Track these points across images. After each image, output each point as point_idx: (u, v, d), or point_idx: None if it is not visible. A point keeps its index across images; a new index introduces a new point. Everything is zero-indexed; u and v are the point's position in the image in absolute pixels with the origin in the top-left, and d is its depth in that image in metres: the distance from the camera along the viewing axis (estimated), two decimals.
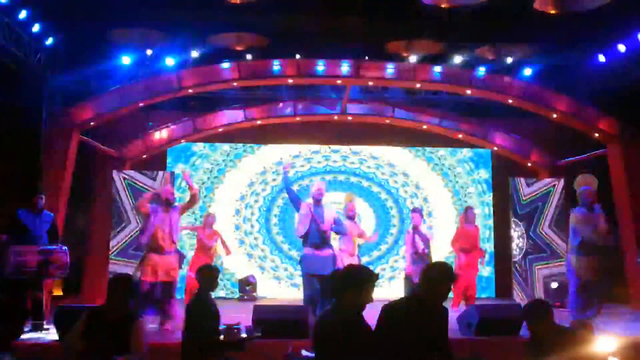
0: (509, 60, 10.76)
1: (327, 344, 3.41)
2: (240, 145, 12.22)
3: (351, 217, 8.52)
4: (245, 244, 12.10)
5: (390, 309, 3.68)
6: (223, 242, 9.63)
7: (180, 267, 7.74)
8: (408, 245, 8.76)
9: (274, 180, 12.22)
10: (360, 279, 3.48)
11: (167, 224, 7.32)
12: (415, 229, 8.63)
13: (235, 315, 6.56)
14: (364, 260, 10.02)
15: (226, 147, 12.20)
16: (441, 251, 11.11)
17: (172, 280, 7.35)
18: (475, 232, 9.57)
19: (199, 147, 12.15)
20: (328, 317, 3.54)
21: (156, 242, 7.26)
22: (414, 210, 9.02)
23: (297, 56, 9.85)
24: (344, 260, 8.52)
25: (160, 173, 10.25)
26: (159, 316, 7.33)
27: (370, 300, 3.46)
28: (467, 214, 9.62)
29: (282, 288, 11.92)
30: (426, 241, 8.60)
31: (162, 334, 6.96)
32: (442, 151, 12.57)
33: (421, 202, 12.34)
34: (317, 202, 7.66)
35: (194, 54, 10.20)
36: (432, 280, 3.69)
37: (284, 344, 5.36)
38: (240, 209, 12.15)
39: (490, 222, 12.38)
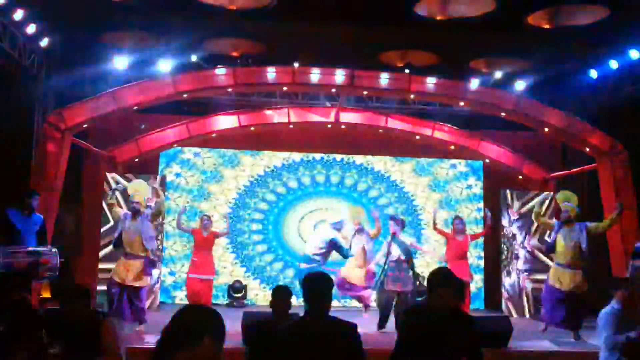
0: (502, 73, 10.84)
1: (302, 352, 3.43)
2: (233, 150, 12.23)
3: (360, 231, 8.85)
4: (238, 249, 12.09)
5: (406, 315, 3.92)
6: (216, 235, 9.78)
7: (149, 274, 8.06)
8: (382, 252, 8.76)
9: (268, 186, 12.24)
10: (324, 285, 3.56)
11: (135, 231, 7.89)
12: (393, 236, 8.62)
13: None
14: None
15: (219, 152, 12.21)
16: (431, 261, 11.15)
17: (139, 285, 7.84)
18: (463, 243, 9.55)
19: (192, 151, 12.16)
20: (296, 326, 3.57)
21: (125, 247, 7.91)
22: (392, 218, 9.02)
23: (296, 65, 9.86)
24: (353, 272, 8.78)
25: (135, 181, 9.30)
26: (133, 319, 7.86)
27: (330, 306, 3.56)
28: (454, 225, 9.63)
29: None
30: (405, 249, 8.58)
31: (135, 338, 7.23)
32: (434, 162, 12.62)
33: (410, 212, 12.38)
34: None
35: (190, 58, 10.21)
36: (432, 286, 3.72)
37: None
38: (233, 214, 12.14)
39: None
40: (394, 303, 8.33)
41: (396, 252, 8.45)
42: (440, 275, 3.77)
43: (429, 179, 12.59)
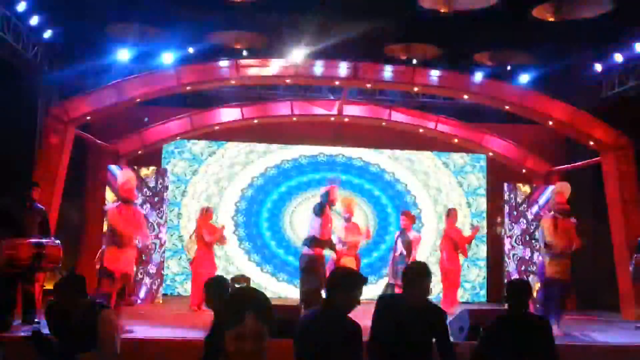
0: (507, 66, 10.80)
1: (312, 343, 3.43)
2: (236, 143, 12.22)
3: (348, 219, 8.78)
4: (243, 241, 12.11)
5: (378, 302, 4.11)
6: (222, 237, 9.79)
7: (135, 263, 8.05)
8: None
9: (273, 180, 12.24)
10: (351, 281, 3.56)
11: (128, 221, 7.43)
12: (403, 231, 8.71)
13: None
14: (364, 261, 10.06)
15: (222, 145, 12.20)
16: (427, 253, 11.17)
17: (129, 273, 7.61)
18: (457, 233, 9.92)
19: (194, 144, 12.14)
20: (313, 317, 3.58)
21: (116, 237, 7.35)
22: (403, 212, 9.14)
23: (300, 56, 9.81)
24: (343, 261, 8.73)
25: (123, 171, 9.08)
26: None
27: (358, 303, 3.54)
28: (450, 216, 9.95)
29: (278, 285, 11.93)
30: (407, 244, 8.67)
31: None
32: (437, 155, 12.59)
33: (410, 205, 12.37)
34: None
35: (192, 50, 10.19)
36: (409, 279, 3.95)
37: (274, 344, 5.32)
38: (238, 206, 12.15)
39: (484, 227, 12.40)
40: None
41: (399, 247, 8.55)
42: (418, 269, 3.99)
43: (432, 172, 12.55)
